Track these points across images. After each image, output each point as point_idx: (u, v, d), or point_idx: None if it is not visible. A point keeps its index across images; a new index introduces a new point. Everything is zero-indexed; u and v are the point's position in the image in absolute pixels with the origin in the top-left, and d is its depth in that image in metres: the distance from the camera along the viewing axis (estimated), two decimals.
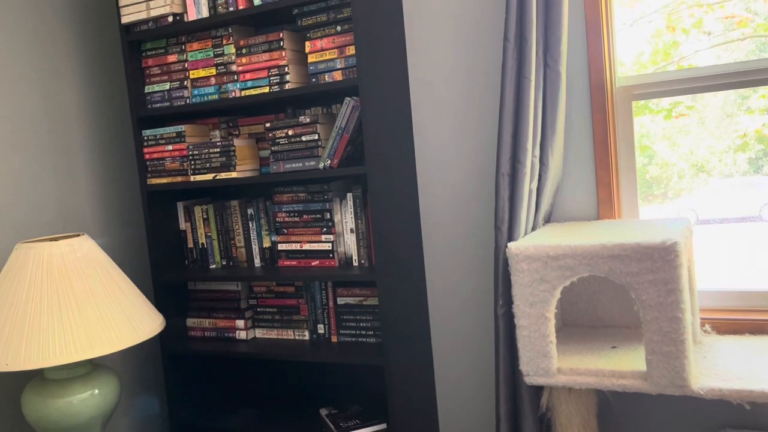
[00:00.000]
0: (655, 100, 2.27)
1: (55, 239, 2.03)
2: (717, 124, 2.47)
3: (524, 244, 1.80)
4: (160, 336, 2.44)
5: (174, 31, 2.33)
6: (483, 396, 2.38)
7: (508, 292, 1.95)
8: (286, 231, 2.34)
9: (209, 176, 2.33)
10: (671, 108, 2.47)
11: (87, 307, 1.91)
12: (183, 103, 2.37)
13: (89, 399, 2.03)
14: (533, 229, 2.05)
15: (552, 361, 1.81)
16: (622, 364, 1.77)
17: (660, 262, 1.63)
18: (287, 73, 2.17)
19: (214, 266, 2.51)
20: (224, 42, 2.28)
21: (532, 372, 1.84)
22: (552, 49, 1.96)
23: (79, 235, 2.06)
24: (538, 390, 1.99)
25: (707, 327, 2.01)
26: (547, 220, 2.14)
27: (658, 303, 1.65)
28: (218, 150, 2.31)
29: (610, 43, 2.09)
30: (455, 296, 2.38)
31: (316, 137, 2.16)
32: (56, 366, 1.97)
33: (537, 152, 1.99)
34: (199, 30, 2.32)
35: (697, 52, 2.38)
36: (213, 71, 2.31)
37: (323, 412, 2.37)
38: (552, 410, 1.96)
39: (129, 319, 1.99)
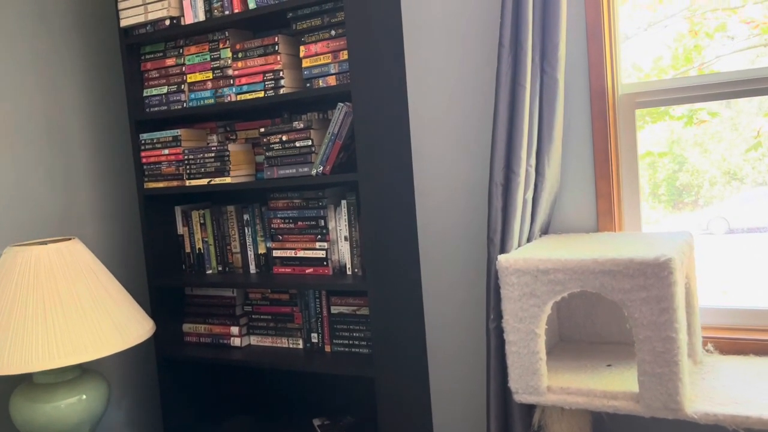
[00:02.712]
0: (675, 106, 2.19)
1: (45, 243, 2.02)
2: (751, 130, 2.38)
3: (514, 257, 1.74)
4: (155, 341, 2.43)
5: (172, 35, 2.32)
6: (480, 411, 2.32)
7: (499, 305, 1.89)
8: (281, 237, 2.31)
9: (204, 181, 2.31)
10: (691, 114, 2.39)
11: (72, 312, 1.90)
12: (180, 107, 2.35)
13: (77, 404, 2.02)
14: (529, 240, 1.99)
15: (542, 379, 1.74)
16: (615, 384, 1.70)
17: (653, 279, 1.56)
18: (282, 78, 2.14)
19: (210, 271, 2.49)
20: (221, 46, 2.26)
21: (521, 390, 1.77)
22: (549, 55, 1.89)
23: (69, 239, 2.05)
24: (530, 407, 1.93)
25: (710, 346, 1.92)
26: (545, 231, 2.07)
27: (651, 322, 1.58)
28: (213, 155, 2.28)
29: (612, 50, 2.02)
30: (452, 308, 2.33)
31: (310, 143, 2.13)
32: (42, 371, 1.96)
33: (532, 161, 1.93)
34: (196, 33, 2.31)
35: (718, 58, 2.29)
36: (210, 75, 2.30)
37: (316, 422, 2.33)
38: (544, 429, 1.89)
39: (116, 325, 1.97)
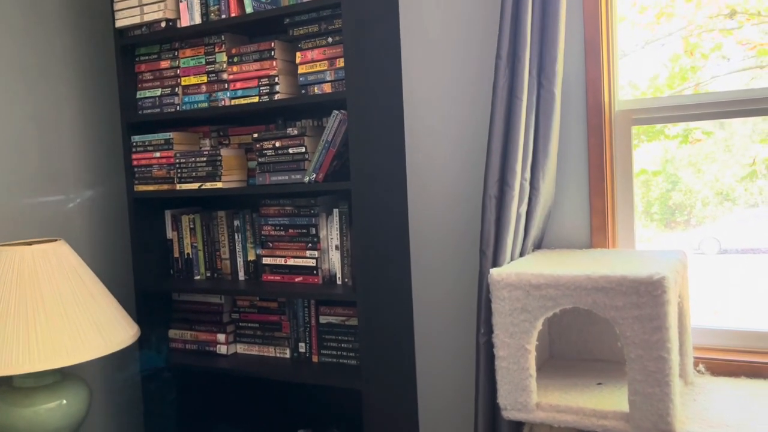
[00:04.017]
0: (670, 124, 2.19)
1: (30, 243, 1.99)
2: (743, 152, 2.38)
3: (506, 271, 1.72)
4: (140, 346, 2.39)
5: (167, 37, 2.30)
6: (468, 426, 2.29)
7: (490, 319, 1.86)
8: (271, 245, 2.28)
9: (195, 185, 2.28)
10: (686, 134, 2.39)
11: (55, 315, 1.86)
12: (173, 110, 2.33)
13: (57, 409, 1.97)
14: (521, 254, 1.97)
15: (531, 396, 1.71)
16: (605, 403, 1.68)
17: (646, 297, 1.54)
18: (277, 84, 2.12)
19: (198, 277, 2.46)
20: (216, 50, 2.24)
21: (509, 406, 1.74)
22: (547, 69, 1.88)
23: (55, 240, 2.02)
24: (518, 424, 1.90)
25: (701, 367, 1.90)
26: (538, 246, 2.06)
27: (642, 340, 1.56)
28: (205, 159, 2.26)
29: (610, 65, 2.01)
30: (443, 320, 2.30)
31: (303, 150, 2.11)
32: (22, 374, 1.92)
33: (527, 175, 1.91)
34: (192, 36, 2.29)
35: (714, 78, 2.29)
36: (204, 79, 2.27)
37: None
38: None
39: (99, 329, 1.93)
